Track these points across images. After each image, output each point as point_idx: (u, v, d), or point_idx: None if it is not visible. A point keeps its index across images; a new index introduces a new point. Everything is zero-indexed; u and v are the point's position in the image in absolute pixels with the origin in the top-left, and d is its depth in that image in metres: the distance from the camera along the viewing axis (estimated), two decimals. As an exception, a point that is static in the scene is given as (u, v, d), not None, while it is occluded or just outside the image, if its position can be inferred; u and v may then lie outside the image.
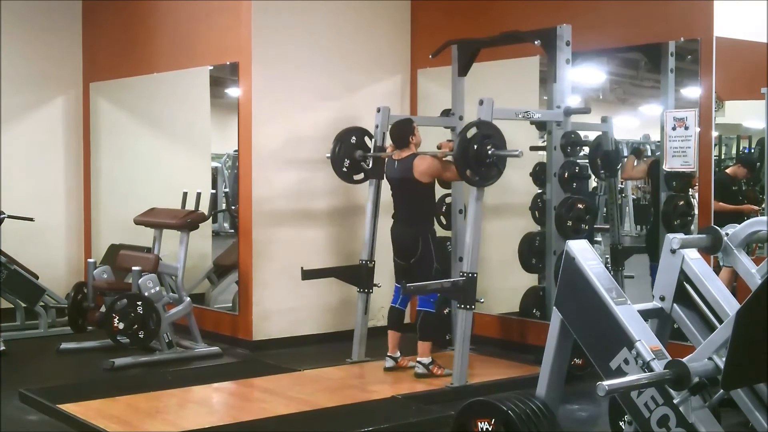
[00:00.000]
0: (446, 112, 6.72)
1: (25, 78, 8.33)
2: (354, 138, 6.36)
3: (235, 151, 6.99)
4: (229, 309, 7.12)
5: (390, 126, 6.00)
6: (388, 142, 6.25)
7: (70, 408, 5.01)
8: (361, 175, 6.41)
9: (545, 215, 6.42)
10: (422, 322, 5.77)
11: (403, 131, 5.89)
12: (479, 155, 5.41)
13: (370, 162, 6.31)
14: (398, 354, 5.91)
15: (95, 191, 8.56)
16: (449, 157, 5.74)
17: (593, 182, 7.36)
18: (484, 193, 5.58)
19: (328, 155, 6.34)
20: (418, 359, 5.73)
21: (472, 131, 5.44)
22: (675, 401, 3.18)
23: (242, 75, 6.80)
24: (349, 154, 6.33)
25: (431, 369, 5.70)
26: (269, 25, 6.81)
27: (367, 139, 6.39)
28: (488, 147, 5.41)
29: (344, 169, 6.36)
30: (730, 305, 3.44)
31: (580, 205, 5.89)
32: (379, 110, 6.29)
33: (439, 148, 6.07)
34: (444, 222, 6.72)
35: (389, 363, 5.88)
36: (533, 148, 6.88)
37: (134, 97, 8.21)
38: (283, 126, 6.87)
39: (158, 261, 6.50)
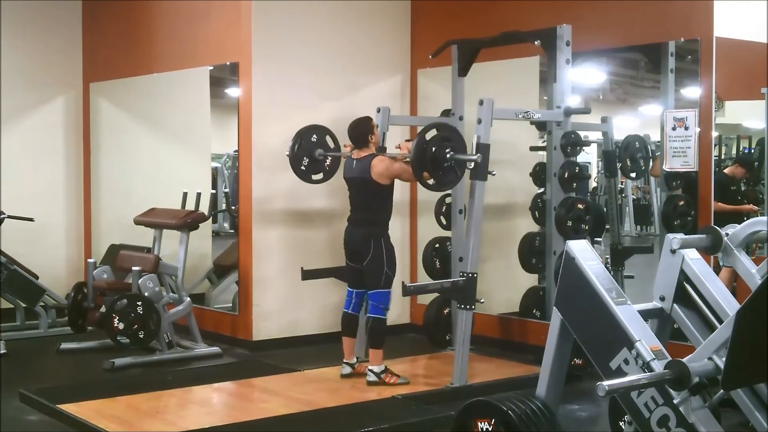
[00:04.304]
0: (446, 112, 6.72)
1: (25, 78, 8.34)
2: (315, 136, 6.22)
3: (235, 151, 6.99)
4: (229, 309, 7.12)
5: (348, 126, 5.82)
6: (388, 144, 6.26)
7: (70, 408, 5.01)
8: (320, 175, 6.29)
9: (545, 215, 6.43)
10: (372, 329, 5.62)
11: (361, 130, 5.72)
12: (437, 158, 5.29)
13: (330, 161, 6.20)
14: (355, 360, 5.82)
15: (95, 191, 8.56)
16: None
17: (593, 182, 7.36)
18: (484, 193, 5.58)
19: (287, 153, 6.19)
20: (370, 367, 5.60)
21: (431, 133, 5.34)
22: (675, 401, 3.18)
23: (242, 75, 6.80)
24: (309, 152, 6.20)
25: (383, 377, 5.58)
26: (269, 25, 6.81)
27: (328, 138, 6.27)
28: (447, 150, 5.30)
29: (302, 168, 6.21)
30: (730, 305, 3.44)
31: (580, 205, 5.89)
32: (379, 110, 6.29)
33: (398, 148, 5.90)
34: (444, 222, 6.72)
35: (346, 370, 5.78)
36: (533, 148, 6.90)
37: (134, 97, 8.21)
38: (283, 126, 6.86)
39: (158, 261, 6.50)
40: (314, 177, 6.31)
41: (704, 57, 5.66)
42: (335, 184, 6.67)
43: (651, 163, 6.34)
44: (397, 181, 5.76)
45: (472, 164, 5.40)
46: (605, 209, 6.69)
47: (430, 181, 5.42)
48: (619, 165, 6.40)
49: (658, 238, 6.57)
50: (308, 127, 6.27)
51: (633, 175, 6.55)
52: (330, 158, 6.25)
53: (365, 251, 5.63)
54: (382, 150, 6.19)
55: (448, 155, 5.30)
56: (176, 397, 5.49)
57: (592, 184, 7.37)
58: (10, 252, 7.24)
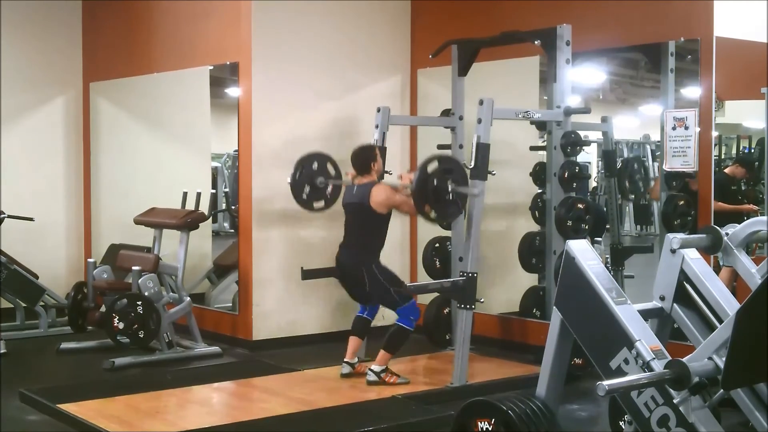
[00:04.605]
0: (446, 112, 6.72)
1: (25, 78, 8.34)
2: (316, 164, 6.18)
3: (235, 151, 6.99)
4: (229, 309, 7.12)
5: (351, 152, 5.83)
6: (388, 144, 6.26)
7: (70, 408, 5.01)
8: (322, 203, 6.26)
9: (545, 215, 6.43)
10: (394, 334, 5.61)
11: (364, 158, 5.75)
12: (438, 191, 5.29)
13: (330, 189, 6.17)
14: (356, 360, 5.81)
15: (95, 191, 8.56)
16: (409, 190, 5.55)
17: (593, 182, 7.37)
18: (484, 192, 5.58)
19: (289, 180, 6.16)
20: (372, 367, 5.62)
21: (433, 165, 5.33)
22: (675, 401, 3.18)
23: (242, 75, 6.80)
24: (310, 180, 6.16)
25: (383, 377, 5.57)
26: (269, 25, 6.81)
27: (329, 165, 6.23)
28: (448, 183, 5.30)
29: (304, 197, 6.17)
30: (730, 305, 3.44)
31: (580, 205, 5.89)
32: (379, 110, 6.29)
33: (399, 179, 5.83)
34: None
35: (346, 369, 5.77)
36: (533, 148, 6.89)
37: (134, 97, 8.21)
38: (283, 126, 6.87)
39: (158, 261, 6.50)
40: (316, 205, 6.26)
41: (704, 57, 5.66)
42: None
43: (651, 184, 6.40)
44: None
45: (475, 192, 5.41)
46: (605, 209, 6.69)
47: (432, 214, 5.42)
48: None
49: (658, 237, 6.57)
50: (309, 155, 6.21)
51: (632, 196, 6.59)
52: (331, 186, 6.21)
53: (360, 280, 5.67)
54: (382, 150, 6.20)
55: (449, 188, 5.29)
56: (176, 397, 5.48)
57: (592, 184, 7.37)
58: (10, 252, 7.24)
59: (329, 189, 6.19)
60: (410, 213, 5.97)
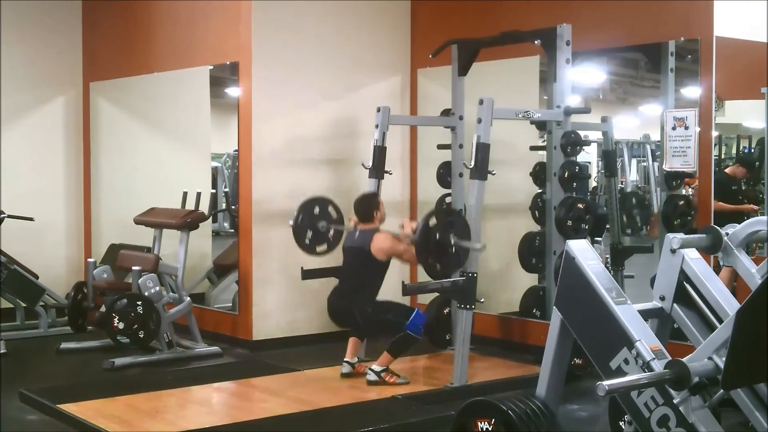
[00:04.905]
0: (446, 112, 6.72)
1: (25, 78, 8.34)
2: (317, 208, 6.16)
3: (235, 151, 6.99)
4: (229, 309, 7.12)
5: (355, 200, 5.86)
6: (388, 144, 6.25)
7: (70, 408, 5.01)
8: (324, 246, 6.22)
9: (545, 215, 6.43)
10: (400, 339, 5.59)
11: (368, 205, 5.79)
12: (441, 244, 5.29)
13: (333, 233, 6.16)
14: (356, 360, 5.82)
15: (95, 191, 8.56)
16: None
17: (593, 182, 7.37)
18: (484, 193, 5.58)
19: (291, 223, 6.13)
20: (372, 366, 5.63)
21: (435, 219, 5.31)
22: (675, 401, 3.18)
23: (242, 75, 6.80)
24: (312, 224, 6.13)
25: (383, 376, 5.58)
26: (269, 25, 6.81)
27: (330, 208, 6.21)
28: (451, 236, 5.29)
29: (307, 241, 6.14)
30: (730, 305, 3.44)
31: (580, 205, 5.89)
32: (379, 110, 6.28)
33: (401, 227, 5.77)
34: (444, 222, 6.72)
35: (346, 368, 5.78)
36: (533, 148, 6.89)
37: (134, 96, 8.21)
38: (283, 126, 6.87)
39: (158, 261, 6.50)
40: (318, 249, 6.22)
41: (704, 57, 5.66)
42: (335, 183, 6.68)
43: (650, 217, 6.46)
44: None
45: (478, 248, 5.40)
46: (605, 209, 6.69)
47: (437, 267, 5.41)
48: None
49: (658, 238, 6.56)
50: (310, 199, 6.18)
51: (629, 231, 6.61)
52: (333, 230, 6.18)
53: (354, 321, 5.70)
54: (381, 150, 6.20)
55: (452, 241, 5.29)
56: (176, 397, 5.49)
57: (592, 183, 7.37)
58: (10, 252, 7.24)
59: (331, 233, 6.18)
60: (411, 262, 6.04)
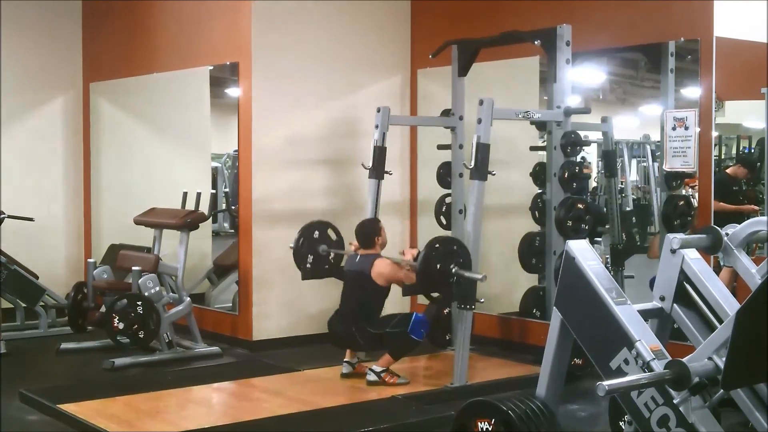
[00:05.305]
0: (446, 112, 6.72)
1: (25, 78, 8.34)
2: (317, 233, 6.16)
3: (235, 151, 6.99)
4: (229, 309, 7.12)
5: (356, 226, 5.84)
6: (388, 144, 6.25)
7: (70, 408, 5.01)
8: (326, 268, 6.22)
9: (545, 215, 6.43)
10: (402, 342, 5.59)
11: (369, 231, 5.77)
12: (443, 274, 5.27)
13: (333, 256, 6.16)
14: (356, 360, 5.83)
15: (95, 191, 8.56)
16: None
17: (593, 182, 7.37)
18: (484, 193, 5.58)
19: (291, 246, 6.12)
20: (372, 367, 5.63)
21: (436, 247, 5.28)
22: (675, 401, 3.18)
23: (242, 75, 6.80)
24: (313, 249, 6.12)
25: (383, 377, 5.58)
26: (269, 25, 6.81)
27: (330, 232, 6.21)
28: (452, 266, 5.27)
29: (308, 265, 6.14)
30: (730, 305, 3.44)
31: (580, 205, 5.89)
32: (379, 110, 6.28)
33: (401, 254, 5.76)
34: (444, 222, 6.72)
35: (346, 369, 5.78)
36: (533, 148, 6.89)
37: (134, 97, 8.22)
38: (283, 126, 6.87)
39: (158, 261, 6.50)
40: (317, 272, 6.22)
41: (704, 57, 5.66)
42: (335, 183, 6.68)
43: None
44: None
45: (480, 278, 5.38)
46: (605, 209, 6.70)
47: (435, 295, 5.44)
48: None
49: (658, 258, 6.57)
50: (309, 224, 6.17)
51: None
52: (333, 254, 6.17)
53: (355, 342, 5.68)
54: (381, 150, 6.19)
55: (453, 270, 5.28)
56: (176, 397, 5.48)
57: (592, 184, 7.37)
58: (10, 252, 7.24)
59: (332, 256, 6.18)
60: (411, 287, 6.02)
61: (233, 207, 7.25)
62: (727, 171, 6.37)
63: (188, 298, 6.57)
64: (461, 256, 5.33)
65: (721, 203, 5.86)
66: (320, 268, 6.15)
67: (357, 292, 5.74)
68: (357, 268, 5.75)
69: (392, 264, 5.67)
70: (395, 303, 6.47)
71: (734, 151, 6.78)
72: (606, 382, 2.94)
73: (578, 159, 6.10)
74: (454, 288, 5.32)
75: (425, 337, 5.69)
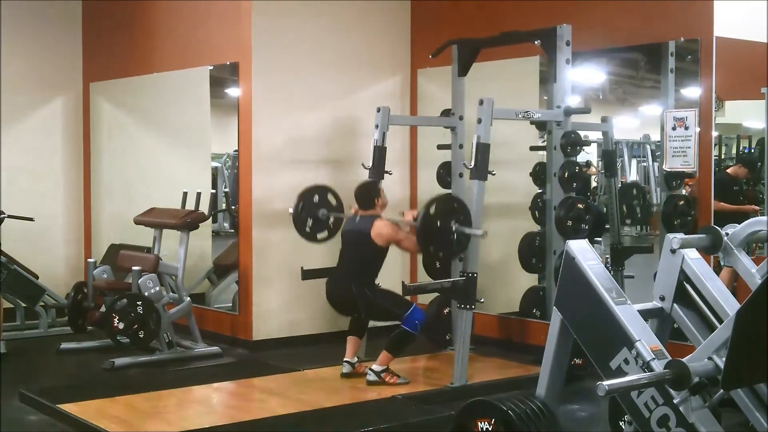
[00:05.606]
0: (446, 112, 6.71)
1: (25, 78, 8.33)
2: (317, 196, 6.20)
3: (235, 151, 6.99)
4: (229, 309, 7.11)
5: (355, 188, 5.85)
6: (388, 144, 6.26)
7: (70, 408, 5.01)
8: (325, 233, 6.28)
9: (545, 215, 6.43)
10: (397, 337, 5.60)
11: (368, 193, 5.77)
12: (442, 231, 5.29)
13: (333, 220, 6.18)
14: (355, 359, 5.82)
15: (95, 191, 8.56)
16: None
17: (593, 182, 7.36)
18: (484, 193, 5.58)
19: (291, 211, 6.18)
20: (372, 366, 5.62)
21: (436, 205, 5.33)
22: (675, 401, 3.18)
23: (242, 75, 6.80)
24: (312, 213, 6.17)
25: (383, 376, 5.58)
26: (269, 25, 6.81)
27: (330, 196, 6.25)
28: (452, 223, 5.30)
29: (307, 229, 6.20)
30: (730, 305, 3.44)
31: (580, 205, 5.89)
32: (379, 110, 6.28)
33: (401, 215, 5.81)
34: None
35: (346, 368, 5.77)
36: (533, 148, 6.89)
37: (134, 97, 8.21)
38: (283, 126, 6.87)
39: (158, 261, 6.50)
40: (319, 236, 6.27)
41: (704, 57, 5.66)
42: (335, 183, 6.67)
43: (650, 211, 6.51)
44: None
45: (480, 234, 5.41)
46: (605, 209, 6.69)
47: (439, 254, 5.44)
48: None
49: (658, 237, 6.57)
50: (309, 188, 6.22)
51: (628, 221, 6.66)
52: (333, 218, 6.21)
53: (353, 307, 5.68)
54: (381, 150, 6.19)
55: (453, 228, 5.30)
56: (176, 397, 5.48)
57: (592, 183, 7.37)
58: (10, 252, 7.24)
59: (331, 220, 6.20)
60: (411, 250, 6.04)
61: (233, 207, 7.25)
62: (728, 171, 6.36)
63: (188, 298, 6.56)
64: (461, 213, 5.33)
65: (721, 203, 5.86)
66: (320, 232, 6.18)
67: (356, 251, 5.71)
68: (357, 227, 5.72)
69: (392, 225, 5.66)
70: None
71: (734, 151, 6.78)
72: (606, 382, 2.94)
73: (584, 161, 6.11)
74: (454, 246, 5.31)
75: (420, 329, 5.66)
